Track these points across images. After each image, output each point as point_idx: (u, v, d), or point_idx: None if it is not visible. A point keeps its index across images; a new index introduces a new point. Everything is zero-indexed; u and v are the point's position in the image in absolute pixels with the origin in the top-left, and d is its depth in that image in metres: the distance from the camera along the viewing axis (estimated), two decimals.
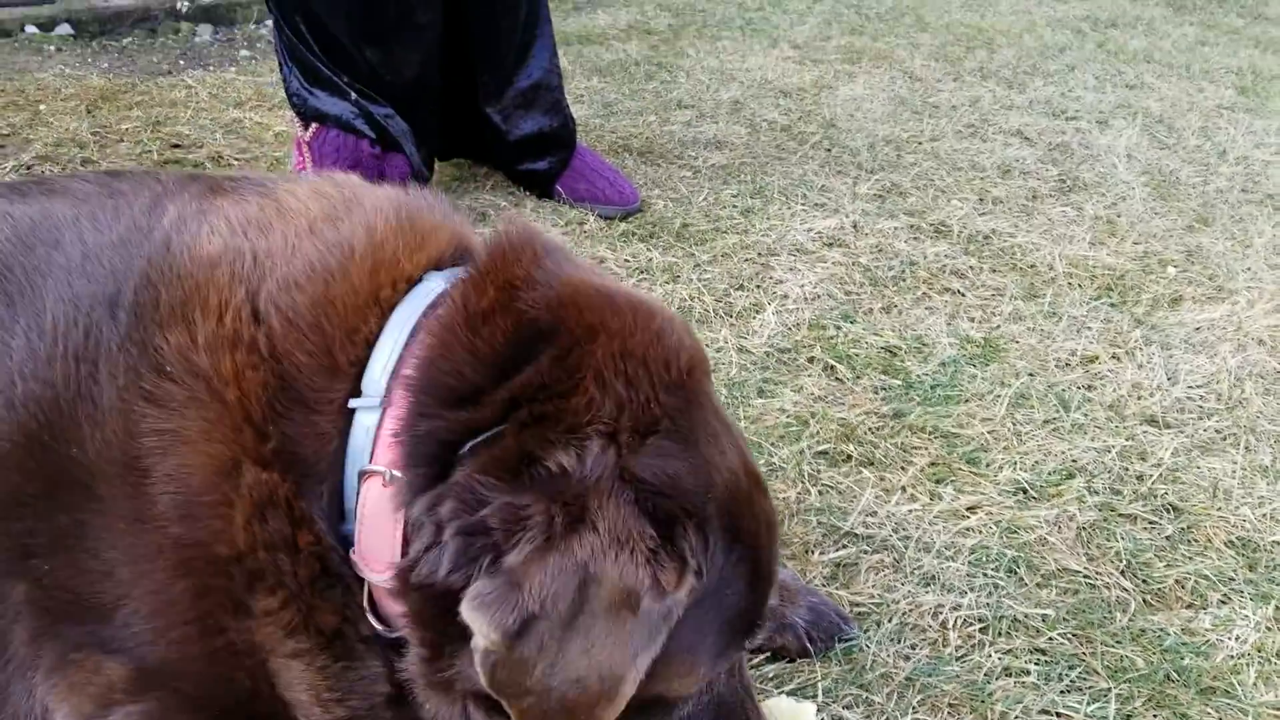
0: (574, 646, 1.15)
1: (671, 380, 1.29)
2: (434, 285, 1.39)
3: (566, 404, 1.23)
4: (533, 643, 1.14)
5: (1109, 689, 1.94)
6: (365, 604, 1.34)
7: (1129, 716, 1.89)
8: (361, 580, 1.33)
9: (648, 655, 1.17)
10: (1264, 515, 2.43)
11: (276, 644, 1.33)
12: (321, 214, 1.42)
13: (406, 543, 1.26)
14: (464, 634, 1.19)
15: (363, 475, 1.30)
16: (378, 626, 1.34)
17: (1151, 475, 2.53)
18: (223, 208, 1.42)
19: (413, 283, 1.39)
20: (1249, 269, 3.64)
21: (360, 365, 1.33)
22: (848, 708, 1.84)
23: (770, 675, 1.90)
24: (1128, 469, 2.55)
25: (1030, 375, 2.90)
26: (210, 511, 1.29)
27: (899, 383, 2.81)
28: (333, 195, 1.47)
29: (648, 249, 3.42)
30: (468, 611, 1.15)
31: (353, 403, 1.31)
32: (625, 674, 1.16)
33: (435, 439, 1.26)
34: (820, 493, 2.37)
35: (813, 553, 2.21)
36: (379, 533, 1.29)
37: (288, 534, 1.30)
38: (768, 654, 1.95)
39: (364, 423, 1.30)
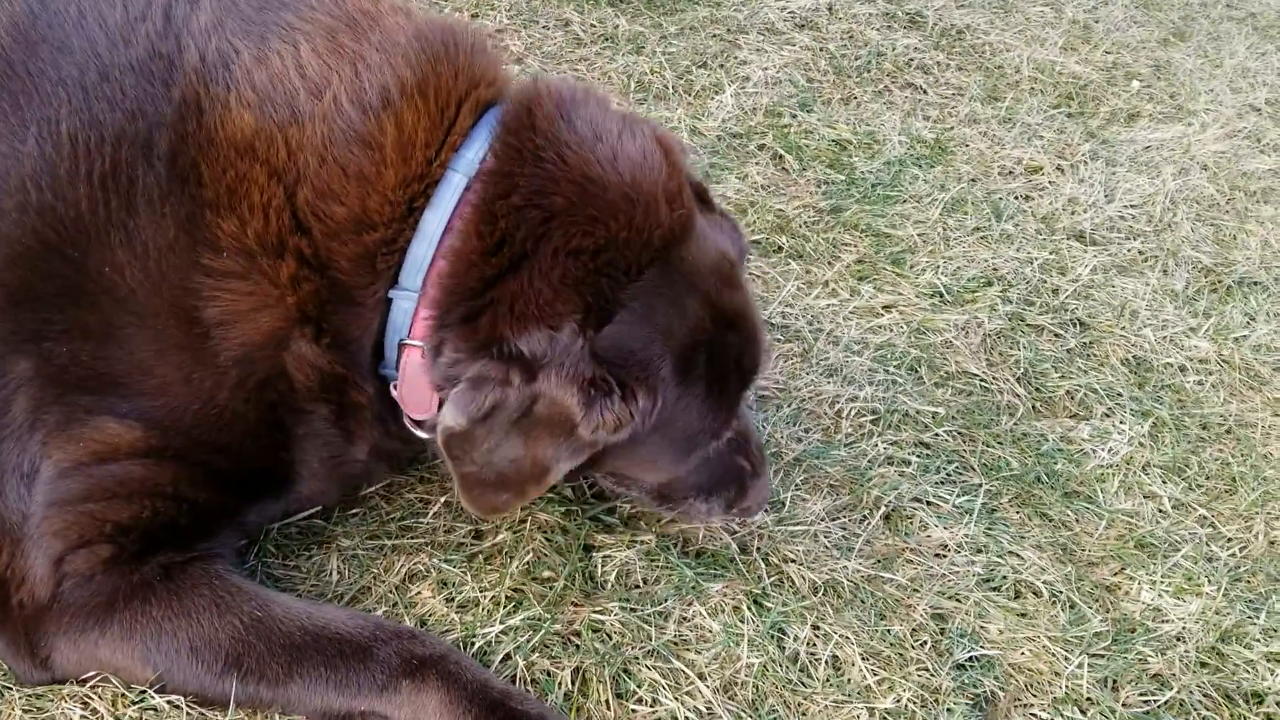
0: (516, 439, 1.50)
1: (632, 278, 1.52)
2: (458, 182, 1.51)
3: (539, 308, 1.48)
4: (483, 429, 1.48)
5: (980, 484, 2.11)
6: (407, 421, 1.64)
7: (993, 510, 2.08)
8: (389, 401, 1.63)
9: (569, 463, 1.54)
10: (1164, 338, 2.57)
11: (315, 429, 1.61)
12: (345, 85, 1.47)
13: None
14: None
15: (402, 346, 1.54)
16: (417, 432, 1.65)
17: (1066, 290, 2.64)
18: (244, 56, 1.47)
19: (439, 182, 1.51)
20: (1211, 90, 3.65)
21: (398, 268, 1.51)
22: None
23: None
24: (1045, 282, 2.66)
25: (972, 181, 2.96)
26: (268, 363, 1.51)
27: (843, 178, 2.87)
28: (350, 49, 1.50)
29: (615, 14, 3.37)
30: (445, 409, 1.48)
31: (392, 293, 1.52)
32: (550, 468, 1.53)
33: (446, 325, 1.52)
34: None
35: None
36: (418, 390, 1.57)
37: (338, 389, 1.58)
38: None
39: (403, 306, 1.52)
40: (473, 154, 1.51)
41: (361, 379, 1.58)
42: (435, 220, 1.49)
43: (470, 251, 1.49)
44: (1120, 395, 2.39)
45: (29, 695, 1.52)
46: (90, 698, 1.52)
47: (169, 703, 1.52)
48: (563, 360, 1.46)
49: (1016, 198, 2.94)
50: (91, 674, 1.53)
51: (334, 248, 1.47)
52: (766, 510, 1.93)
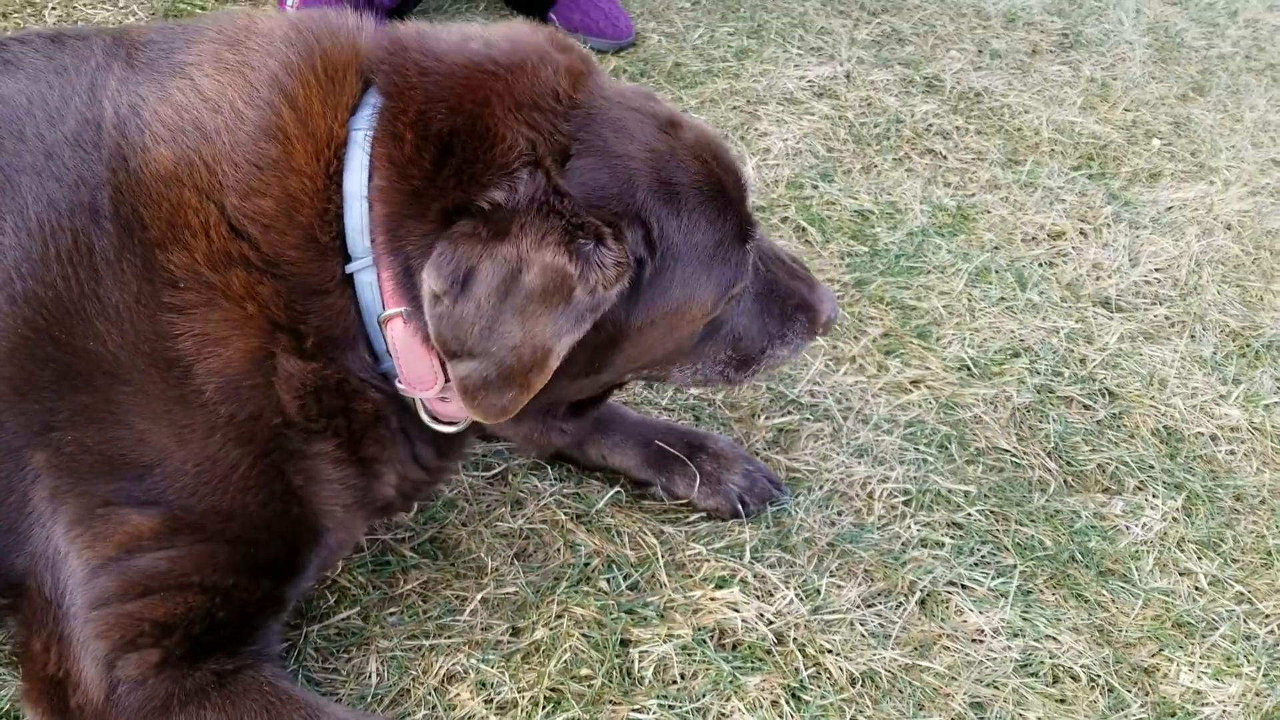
0: (508, 317, 1.43)
1: (564, 107, 1.51)
2: (361, 136, 1.51)
3: (489, 156, 1.46)
4: (470, 303, 1.42)
5: (1014, 565, 2.11)
6: (425, 416, 1.62)
7: (1028, 592, 2.07)
8: (404, 407, 1.61)
9: (571, 337, 1.46)
10: (1194, 406, 2.57)
11: (324, 474, 1.59)
12: (238, 91, 1.51)
13: (442, 363, 1.52)
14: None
15: (382, 322, 1.51)
16: (438, 426, 1.63)
17: (1094, 359, 2.65)
18: (149, 101, 1.51)
19: (346, 143, 1.51)
20: (1233, 146, 3.66)
21: (342, 239, 1.50)
22: (770, 567, 2.01)
23: (702, 534, 2.06)
24: (1072, 351, 2.67)
25: (995, 249, 2.98)
26: (256, 393, 1.50)
27: (865, 250, 2.89)
28: (234, 61, 1.54)
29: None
30: (424, 276, 1.43)
31: (349, 268, 1.50)
32: (552, 347, 1.45)
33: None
34: None
35: (759, 417, 2.35)
36: (415, 361, 1.53)
37: (341, 404, 1.55)
38: (702, 514, 2.11)
39: (366, 280, 1.50)
40: (369, 111, 1.52)
41: (365, 381, 1.55)
42: (355, 178, 1.49)
43: (394, 179, 1.48)
44: (1152, 467, 2.39)
45: None
46: None
47: None
48: (533, 206, 1.43)
49: (1040, 265, 2.95)
50: None
51: (274, 240, 1.47)
52: (801, 598, 1.94)
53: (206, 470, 1.51)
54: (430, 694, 1.75)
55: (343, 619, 1.84)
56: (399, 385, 1.57)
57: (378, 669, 1.78)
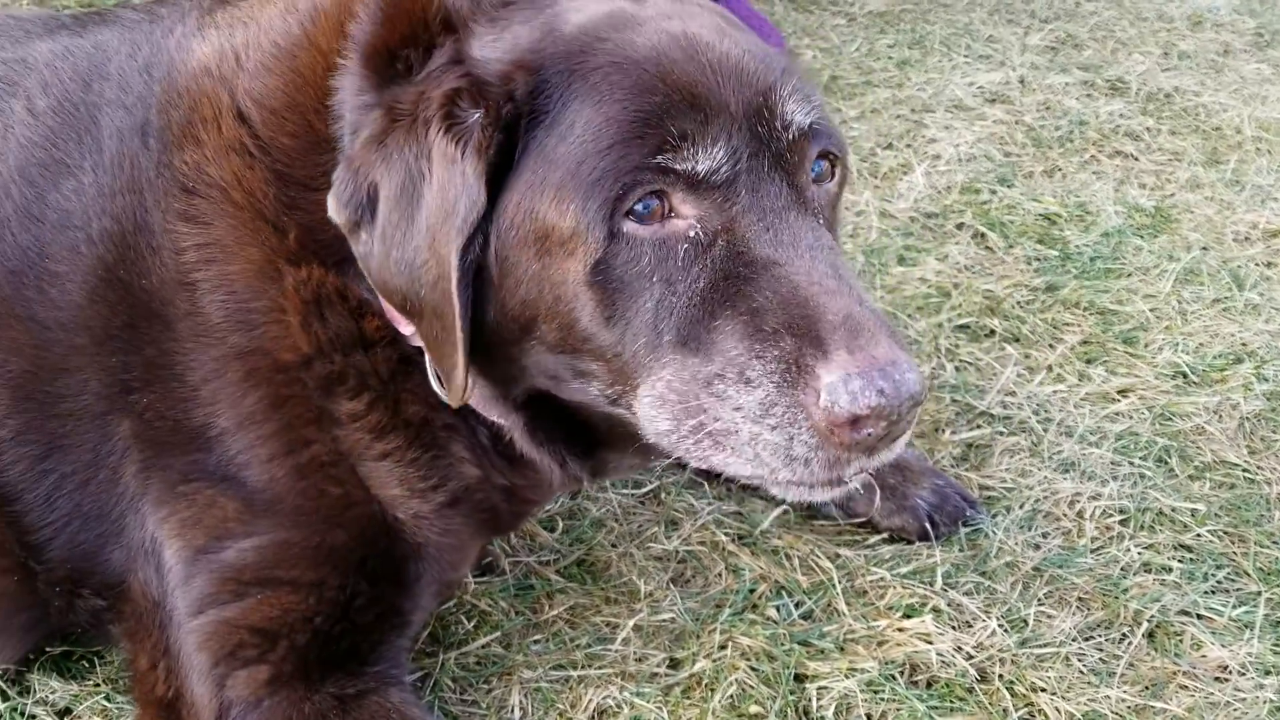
0: (410, 227, 1.21)
1: None
2: (358, 32, 1.35)
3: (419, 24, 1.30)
4: (378, 230, 1.23)
5: (1259, 592, 1.78)
6: (431, 374, 1.37)
7: (1278, 623, 1.74)
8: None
9: (459, 236, 1.19)
10: None
11: (365, 449, 1.38)
12: (281, 7, 1.43)
13: None
14: None
15: None
16: (441, 392, 1.36)
17: None
18: (210, 27, 1.46)
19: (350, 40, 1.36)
20: None
21: (339, 125, 1.34)
22: (967, 594, 1.74)
23: (887, 557, 1.81)
24: None
25: (1203, 249, 2.65)
26: (263, 317, 1.34)
27: (1055, 253, 2.61)
28: (289, 3, 1.45)
29: None
30: (330, 213, 1.26)
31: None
32: (447, 255, 1.19)
33: None
34: (957, 369, 2.23)
35: (943, 431, 2.08)
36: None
37: (352, 327, 1.36)
38: (885, 535, 1.86)
39: None
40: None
41: (366, 298, 1.35)
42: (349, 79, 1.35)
43: (381, 66, 1.33)
44: None
45: None
46: None
47: None
48: (429, 80, 1.25)
49: (1257, 265, 2.61)
50: None
51: (272, 123, 1.37)
52: (1005, 629, 1.66)
53: (246, 428, 1.36)
54: None
55: (482, 646, 1.66)
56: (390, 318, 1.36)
57: (520, 702, 1.58)
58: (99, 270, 1.37)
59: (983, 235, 2.67)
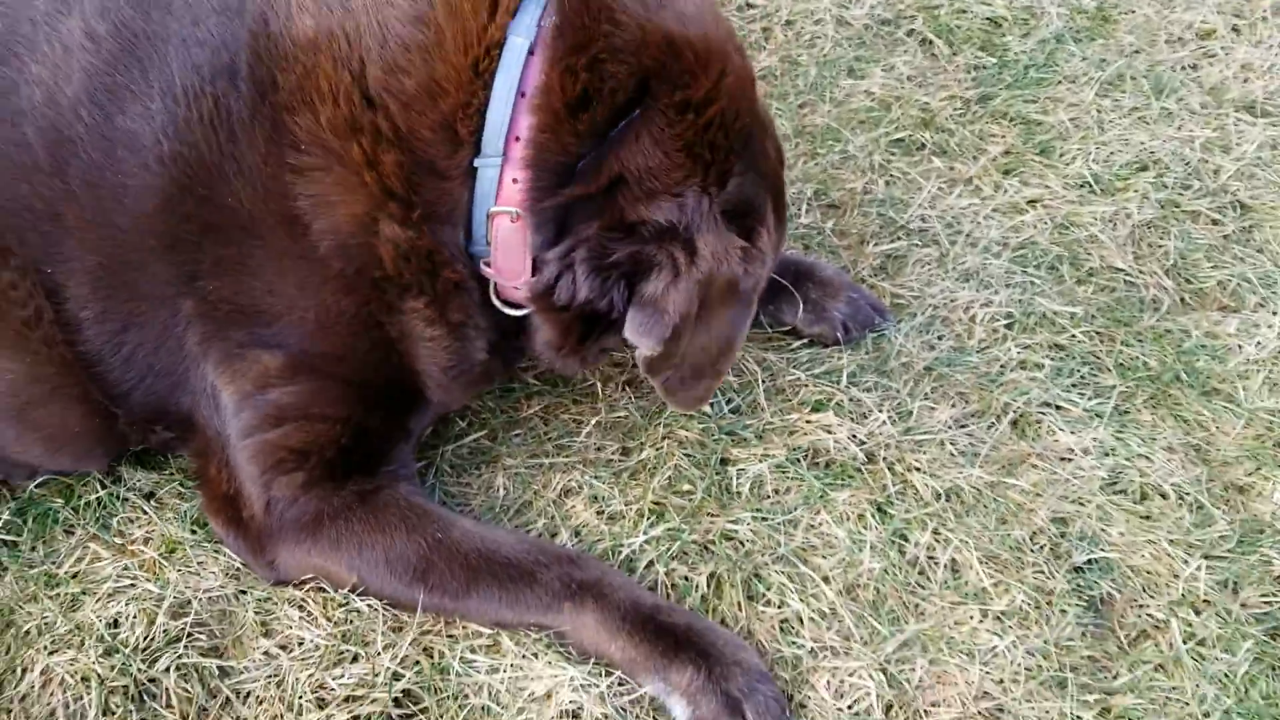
0: (701, 334, 1.73)
1: (739, 130, 1.70)
2: (520, 44, 1.61)
3: (668, 178, 1.64)
4: (676, 343, 1.70)
5: (1114, 386, 2.15)
6: (494, 297, 1.78)
7: (1125, 413, 2.12)
8: (484, 284, 1.76)
9: (746, 324, 1.81)
10: None
11: (419, 331, 1.78)
12: None
13: (535, 268, 1.69)
14: (600, 334, 1.76)
15: (490, 215, 1.67)
16: (505, 310, 1.78)
17: (1229, 170, 2.57)
18: None
19: (501, 45, 1.62)
20: None
21: (479, 134, 1.64)
22: (866, 391, 2.12)
23: (803, 360, 2.18)
24: (1206, 162, 2.59)
25: (1135, 53, 2.86)
26: (362, 251, 1.68)
27: (994, 61, 2.83)
28: None
29: None
30: (632, 335, 1.68)
31: (477, 162, 1.65)
32: (735, 338, 1.81)
33: (553, 194, 1.65)
34: (887, 183, 2.53)
35: (867, 244, 2.41)
36: (512, 256, 1.70)
37: (429, 269, 1.71)
38: (805, 340, 2.22)
39: (488, 174, 1.65)
40: (530, 17, 1.62)
41: (453, 256, 1.70)
42: (506, 82, 1.60)
43: (555, 108, 1.60)
44: (1277, 284, 2.35)
45: (259, 599, 1.84)
46: (305, 601, 1.83)
47: (369, 605, 1.81)
48: (702, 226, 1.65)
49: (1182, 68, 2.83)
50: (308, 577, 1.83)
51: (412, 119, 1.61)
52: (893, 419, 2.06)
53: (321, 317, 1.72)
54: (549, 506, 1.97)
55: (473, 440, 2.08)
56: (484, 267, 1.73)
57: (504, 484, 2.02)
58: (169, 188, 1.65)
59: (930, 43, 2.88)
